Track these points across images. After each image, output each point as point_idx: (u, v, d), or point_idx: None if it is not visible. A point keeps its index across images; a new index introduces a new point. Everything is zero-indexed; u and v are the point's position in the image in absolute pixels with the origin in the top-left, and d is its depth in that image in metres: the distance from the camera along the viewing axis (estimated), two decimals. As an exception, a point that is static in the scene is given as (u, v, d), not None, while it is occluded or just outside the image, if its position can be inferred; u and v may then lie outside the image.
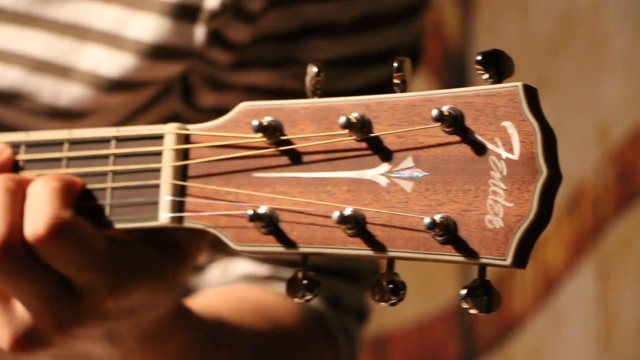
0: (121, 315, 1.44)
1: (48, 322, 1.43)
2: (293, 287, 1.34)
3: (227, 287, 1.74)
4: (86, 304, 1.42)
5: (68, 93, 1.69)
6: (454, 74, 2.92)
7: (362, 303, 1.77)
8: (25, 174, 1.44)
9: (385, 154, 1.27)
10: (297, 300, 1.35)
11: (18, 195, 1.41)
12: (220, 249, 1.76)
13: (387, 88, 1.28)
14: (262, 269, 1.74)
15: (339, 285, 1.74)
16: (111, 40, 1.68)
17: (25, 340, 1.44)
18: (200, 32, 1.67)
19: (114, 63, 1.68)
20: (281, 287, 1.69)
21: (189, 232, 1.41)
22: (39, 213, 1.39)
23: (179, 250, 1.44)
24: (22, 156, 1.46)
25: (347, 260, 1.74)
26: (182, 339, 1.53)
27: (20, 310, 1.44)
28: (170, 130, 1.38)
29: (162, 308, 1.46)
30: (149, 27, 1.68)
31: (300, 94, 1.32)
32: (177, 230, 1.41)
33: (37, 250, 1.39)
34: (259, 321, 1.66)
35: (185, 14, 1.67)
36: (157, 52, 1.68)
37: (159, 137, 1.38)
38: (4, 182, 1.42)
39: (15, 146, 1.47)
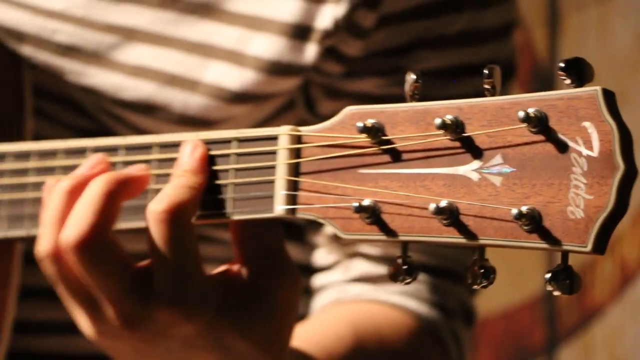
0: (185, 340, 1.41)
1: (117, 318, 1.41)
2: (394, 273, 1.33)
3: (340, 314, 1.70)
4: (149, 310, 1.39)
5: (195, 104, 1.68)
6: (542, 89, 2.92)
7: (469, 304, 1.75)
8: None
9: (476, 152, 1.26)
10: (398, 283, 1.34)
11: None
12: (340, 249, 1.75)
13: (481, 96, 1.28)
14: (378, 269, 1.72)
15: (446, 285, 1.72)
16: (233, 57, 1.68)
17: (102, 331, 1.42)
18: (313, 49, 1.67)
19: (236, 77, 1.68)
20: (394, 287, 1.70)
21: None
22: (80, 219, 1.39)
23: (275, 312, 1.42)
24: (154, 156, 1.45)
25: (452, 262, 1.73)
26: None
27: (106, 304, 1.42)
28: (284, 131, 1.37)
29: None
30: (267, 45, 1.67)
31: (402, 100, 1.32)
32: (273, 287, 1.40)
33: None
34: (374, 346, 1.64)
35: (299, 34, 1.67)
36: (274, 68, 1.67)
37: (274, 138, 1.38)
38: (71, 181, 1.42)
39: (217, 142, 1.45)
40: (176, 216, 1.36)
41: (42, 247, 1.42)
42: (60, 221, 1.40)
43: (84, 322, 1.42)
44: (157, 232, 1.36)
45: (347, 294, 1.72)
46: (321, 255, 1.77)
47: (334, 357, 1.57)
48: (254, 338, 1.40)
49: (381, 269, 1.71)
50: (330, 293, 1.74)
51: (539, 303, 2.92)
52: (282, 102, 1.71)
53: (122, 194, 1.40)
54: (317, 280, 1.76)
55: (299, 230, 1.79)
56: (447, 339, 1.71)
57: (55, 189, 1.42)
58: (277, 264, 1.41)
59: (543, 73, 2.88)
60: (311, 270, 1.77)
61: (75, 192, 1.40)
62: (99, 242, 1.37)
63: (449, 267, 1.72)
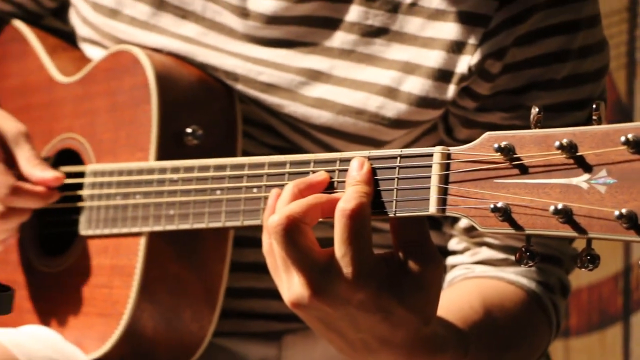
0: (358, 306, 1.40)
1: (310, 287, 1.40)
2: (520, 258, 1.33)
3: (470, 287, 1.69)
4: (332, 283, 1.39)
5: (363, 127, 1.68)
6: (622, 120, 2.89)
7: (565, 281, 1.74)
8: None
9: (586, 167, 1.25)
10: (522, 266, 1.36)
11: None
12: (469, 238, 1.75)
13: (584, 125, 1.28)
14: (498, 255, 1.71)
15: (548, 267, 1.71)
16: (391, 93, 1.67)
17: (295, 300, 1.42)
18: (452, 89, 1.65)
19: (393, 109, 1.67)
20: (510, 268, 1.69)
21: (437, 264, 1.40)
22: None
23: (428, 286, 1.41)
24: (336, 166, 1.46)
25: (554, 250, 1.71)
26: (430, 356, 1.47)
27: (295, 278, 1.42)
28: (437, 150, 1.37)
29: (402, 323, 1.41)
30: (417, 85, 1.66)
31: (525, 129, 1.32)
32: (432, 259, 1.40)
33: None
34: (494, 320, 1.62)
35: (443, 77, 1.65)
36: (422, 102, 1.67)
37: (430, 155, 1.37)
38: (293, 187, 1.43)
39: (332, 162, 1.46)
40: (358, 213, 1.36)
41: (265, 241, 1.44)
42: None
43: (284, 291, 1.43)
44: (344, 224, 1.36)
45: (473, 272, 1.71)
46: (453, 242, 1.76)
47: (468, 322, 1.55)
48: (409, 305, 1.39)
49: (501, 255, 1.70)
50: (459, 270, 1.73)
51: (617, 278, 2.88)
52: (427, 127, 1.71)
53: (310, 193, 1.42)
54: (449, 260, 1.75)
55: (438, 223, 1.80)
56: (549, 308, 1.69)
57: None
58: (424, 249, 1.40)
59: (623, 106, 2.84)
60: (445, 252, 1.77)
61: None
62: (294, 228, 1.38)
63: (551, 254, 1.71)
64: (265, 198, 1.50)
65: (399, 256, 1.40)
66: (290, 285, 1.41)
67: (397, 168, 1.40)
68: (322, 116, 1.68)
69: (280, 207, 1.40)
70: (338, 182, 1.44)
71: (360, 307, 1.39)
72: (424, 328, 1.42)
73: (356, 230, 1.36)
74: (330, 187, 1.44)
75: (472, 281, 1.70)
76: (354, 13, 1.67)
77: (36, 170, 1.74)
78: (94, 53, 1.81)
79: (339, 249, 1.37)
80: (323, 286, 1.38)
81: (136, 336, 1.67)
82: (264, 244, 1.44)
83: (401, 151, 1.40)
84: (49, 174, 1.74)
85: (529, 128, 1.31)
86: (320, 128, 1.69)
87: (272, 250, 1.42)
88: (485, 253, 1.72)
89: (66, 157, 1.79)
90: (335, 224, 1.38)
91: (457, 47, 1.64)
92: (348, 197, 1.37)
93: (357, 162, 1.41)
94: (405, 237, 1.41)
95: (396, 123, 1.67)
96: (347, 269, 1.37)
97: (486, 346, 1.57)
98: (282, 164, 1.50)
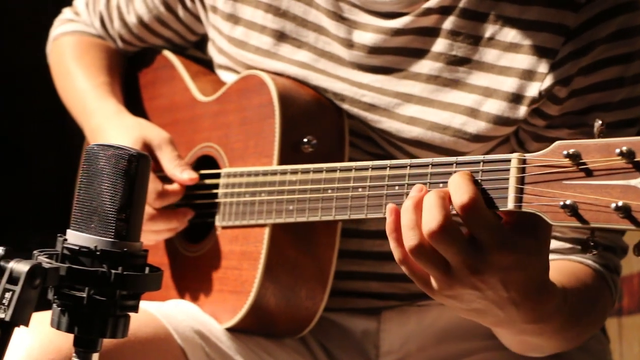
0: (505, 269, 1.34)
1: (466, 269, 1.34)
2: (585, 247, 1.30)
3: (562, 265, 1.64)
4: (485, 260, 1.34)
5: (448, 141, 1.65)
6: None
7: (619, 266, 1.68)
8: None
9: (643, 171, 1.21)
10: (587, 254, 1.30)
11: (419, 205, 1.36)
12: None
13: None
14: (565, 245, 1.66)
15: (609, 255, 1.66)
16: (473, 113, 1.64)
17: (453, 283, 1.35)
18: (524, 110, 1.62)
19: (474, 126, 1.64)
20: (575, 256, 1.65)
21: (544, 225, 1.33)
22: (432, 216, 1.33)
23: (541, 237, 1.35)
24: (429, 170, 1.41)
25: (612, 242, 1.66)
26: (548, 302, 1.42)
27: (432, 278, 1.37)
28: (515, 156, 1.33)
29: (532, 270, 1.36)
30: (495, 106, 1.63)
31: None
32: (538, 223, 1.32)
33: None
34: (578, 284, 1.57)
35: (516, 100, 1.62)
36: (498, 121, 1.63)
37: (508, 161, 1.33)
38: (414, 200, 1.36)
39: (424, 165, 1.41)
40: (474, 202, 1.31)
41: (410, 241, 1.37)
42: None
43: (435, 279, 1.36)
44: (470, 215, 1.31)
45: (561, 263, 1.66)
46: None
47: (563, 280, 1.50)
48: (538, 258, 1.35)
49: (568, 245, 1.65)
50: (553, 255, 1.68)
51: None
52: (500, 140, 1.67)
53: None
54: None
55: None
56: (611, 285, 1.64)
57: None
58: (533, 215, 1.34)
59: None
60: None
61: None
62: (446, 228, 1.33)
63: (607, 244, 1.66)
64: (369, 196, 1.47)
65: (519, 222, 1.34)
66: (443, 271, 1.35)
67: (480, 171, 1.35)
68: (413, 131, 1.66)
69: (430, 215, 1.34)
70: (430, 183, 1.40)
71: (507, 271, 1.34)
72: (545, 275, 1.39)
73: (476, 214, 1.32)
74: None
75: (563, 265, 1.65)
76: (440, 45, 1.64)
77: (177, 171, 1.75)
78: (228, 77, 1.80)
79: (473, 231, 1.32)
80: (476, 261, 1.33)
81: (261, 310, 1.66)
82: (395, 255, 1.37)
83: (484, 157, 1.36)
84: (186, 175, 1.74)
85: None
86: (412, 141, 1.66)
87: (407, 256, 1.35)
88: (555, 244, 1.66)
89: (205, 162, 1.79)
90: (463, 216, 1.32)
91: (529, 75, 1.61)
92: (460, 192, 1.32)
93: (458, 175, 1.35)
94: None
95: (476, 138, 1.64)
96: (490, 240, 1.32)
97: (579, 300, 1.52)
98: (383, 167, 1.47)
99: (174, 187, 1.75)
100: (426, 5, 1.64)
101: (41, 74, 2.18)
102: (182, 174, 1.74)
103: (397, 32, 1.65)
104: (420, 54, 1.65)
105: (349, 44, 1.68)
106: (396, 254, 1.36)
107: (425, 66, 1.65)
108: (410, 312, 1.76)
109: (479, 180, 1.35)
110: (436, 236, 1.31)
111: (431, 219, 1.31)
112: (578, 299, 1.52)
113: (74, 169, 2.05)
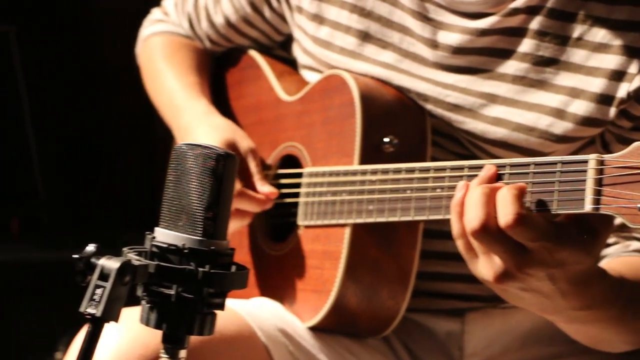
0: (556, 265, 1.41)
1: (513, 267, 1.42)
2: None
3: (624, 258, 1.68)
4: (534, 257, 1.41)
5: (534, 142, 1.67)
6: None
7: None
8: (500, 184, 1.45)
9: None
10: None
11: (490, 197, 1.42)
12: (618, 233, 1.72)
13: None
14: None
15: None
16: (559, 114, 1.65)
17: (501, 276, 1.44)
18: (612, 111, 1.63)
19: (560, 127, 1.66)
20: None
21: (602, 221, 1.38)
22: (507, 210, 1.39)
23: (595, 233, 1.41)
24: (507, 171, 1.47)
25: None
26: (597, 288, 1.48)
27: (497, 260, 1.44)
28: (592, 157, 1.36)
29: (584, 265, 1.42)
30: (582, 107, 1.64)
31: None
32: (593, 220, 1.38)
33: (505, 231, 1.40)
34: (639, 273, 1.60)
35: (605, 101, 1.63)
36: (585, 122, 1.65)
37: (585, 162, 1.36)
38: (483, 189, 1.43)
39: (501, 166, 1.47)
40: (517, 221, 1.39)
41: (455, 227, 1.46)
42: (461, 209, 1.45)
43: (485, 270, 1.44)
44: (516, 232, 1.40)
45: (622, 257, 1.69)
46: None
47: (625, 273, 1.55)
48: (590, 260, 1.42)
49: None
50: (610, 257, 1.70)
51: None
52: (586, 142, 1.68)
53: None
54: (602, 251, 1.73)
55: None
56: None
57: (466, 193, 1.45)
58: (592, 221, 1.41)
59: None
60: None
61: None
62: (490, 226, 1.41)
63: None
64: (447, 197, 1.50)
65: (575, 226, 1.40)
66: (492, 265, 1.43)
67: (558, 172, 1.38)
68: (498, 132, 1.68)
69: (473, 208, 1.42)
70: (507, 184, 1.43)
71: (558, 265, 1.40)
72: (593, 262, 1.43)
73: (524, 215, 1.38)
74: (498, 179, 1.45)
75: (622, 258, 1.68)
76: (526, 45, 1.66)
77: (258, 184, 1.79)
78: (312, 77, 1.84)
79: (515, 230, 1.39)
80: (522, 259, 1.40)
81: (342, 309, 1.68)
82: (453, 229, 1.45)
83: (562, 158, 1.39)
84: (266, 189, 1.78)
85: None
86: (496, 142, 1.68)
87: (464, 234, 1.43)
88: (636, 244, 1.68)
89: (288, 161, 1.82)
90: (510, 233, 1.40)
91: (617, 76, 1.61)
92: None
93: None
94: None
95: (562, 139, 1.65)
96: (543, 237, 1.39)
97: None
98: (461, 168, 1.50)
99: (257, 195, 1.78)
100: (513, 5, 1.64)
101: (127, 75, 2.24)
102: (262, 187, 1.78)
103: (483, 33, 1.67)
104: (506, 54, 1.66)
105: (434, 45, 1.70)
106: (455, 228, 1.44)
107: (511, 67, 1.66)
108: (494, 314, 1.78)
109: (557, 182, 1.38)
110: (514, 227, 1.38)
111: (506, 213, 1.38)
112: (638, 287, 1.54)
113: (160, 169, 2.09)
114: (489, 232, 1.40)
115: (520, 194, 1.40)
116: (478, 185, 1.44)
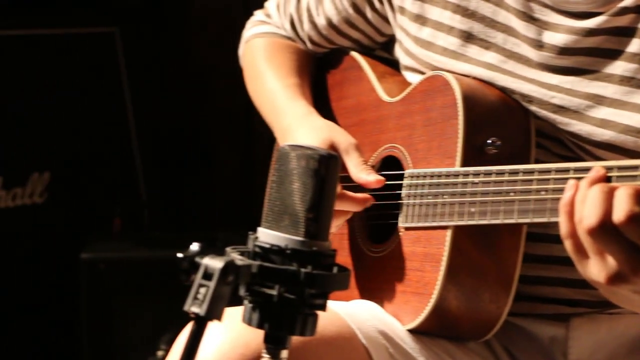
0: None
1: (627, 268, 1.41)
2: None
3: None
4: None
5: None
6: None
7: None
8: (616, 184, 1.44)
9: None
10: None
11: (608, 195, 1.41)
12: None
13: None
14: None
15: None
16: None
17: (614, 277, 1.43)
18: None
19: None
20: None
21: None
22: (627, 208, 1.38)
23: None
24: (614, 173, 1.46)
25: None
26: None
27: (610, 260, 1.43)
28: None
29: None
30: None
31: None
32: None
33: (619, 229, 1.39)
34: None
35: None
36: None
37: None
38: (601, 187, 1.42)
39: (609, 168, 1.46)
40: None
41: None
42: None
43: (596, 271, 1.44)
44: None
45: None
46: None
47: None
48: None
49: None
50: None
51: None
52: None
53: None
54: None
55: None
56: None
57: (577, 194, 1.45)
58: None
59: None
60: None
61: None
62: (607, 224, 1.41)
63: None
64: (552, 200, 1.50)
65: None
66: (605, 266, 1.42)
67: None
68: (605, 134, 1.66)
69: (590, 206, 1.42)
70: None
71: None
72: None
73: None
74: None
75: None
76: (635, 45, 1.64)
77: (363, 174, 1.79)
78: (414, 78, 1.84)
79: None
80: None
81: (443, 312, 1.69)
82: (562, 229, 1.45)
83: None
84: (372, 177, 1.79)
85: None
86: (603, 144, 1.67)
87: (574, 234, 1.43)
88: None
89: (389, 163, 1.84)
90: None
91: None
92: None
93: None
94: None
95: None
96: None
97: None
98: (566, 170, 1.50)
99: (355, 195, 1.79)
100: (622, 4, 1.63)
101: (227, 75, 2.28)
102: (368, 176, 1.78)
103: (590, 32, 1.66)
104: (613, 54, 1.65)
105: (539, 45, 1.70)
106: (564, 228, 1.43)
107: (618, 67, 1.65)
108: (600, 320, 1.77)
109: None
110: (632, 225, 1.38)
111: (625, 210, 1.38)
112: None
113: (258, 169, 2.12)
114: (605, 230, 1.40)
115: (638, 194, 1.40)
116: (590, 185, 1.43)
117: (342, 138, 1.83)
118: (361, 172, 1.80)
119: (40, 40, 3.17)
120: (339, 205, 1.78)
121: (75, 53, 3.20)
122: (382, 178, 1.80)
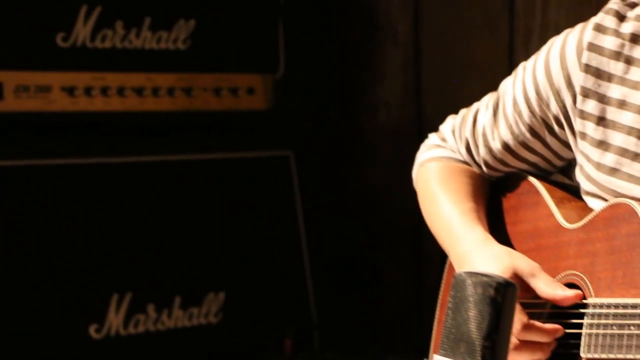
0: None
1: None
2: None
3: None
4: None
5: None
6: None
7: None
8: None
9: None
10: None
11: None
12: None
13: None
14: None
15: None
16: None
17: None
18: None
19: None
20: None
21: None
22: None
23: None
24: None
25: None
26: None
27: None
28: None
29: None
30: None
31: None
32: None
33: None
34: None
35: None
36: None
37: None
38: None
39: None
40: None
41: None
42: None
43: None
44: None
45: None
46: None
47: None
48: None
49: None
50: None
51: None
52: None
53: None
54: None
55: None
56: None
57: None
58: None
59: None
60: None
61: None
62: None
63: None
64: None
65: None
66: None
67: None
68: None
69: None
70: None
71: None
72: None
73: None
74: None
75: None
76: None
77: (559, 290, 1.77)
78: (595, 204, 1.82)
79: None
80: None
81: None
82: None
83: None
84: (571, 292, 1.77)
85: None
86: None
87: None
88: None
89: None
90: None
91: None
92: None
93: None
94: None
95: None
96: None
97: None
98: None
99: (544, 325, 1.77)
100: None
101: (396, 196, 2.29)
102: (565, 291, 1.76)
103: None
104: None
105: None
106: None
107: None
108: None
109: None
110: None
111: None
112: None
113: (428, 292, 2.11)
114: None
115: None
116: None
117: (524, 263, 1.82)
118: (556, 289, 1.78)
119: (216, 164, 3.25)
120: (528, 336, 1.76)
121: (251, 176, 3.27)
122: (580, 292, 1.77)
